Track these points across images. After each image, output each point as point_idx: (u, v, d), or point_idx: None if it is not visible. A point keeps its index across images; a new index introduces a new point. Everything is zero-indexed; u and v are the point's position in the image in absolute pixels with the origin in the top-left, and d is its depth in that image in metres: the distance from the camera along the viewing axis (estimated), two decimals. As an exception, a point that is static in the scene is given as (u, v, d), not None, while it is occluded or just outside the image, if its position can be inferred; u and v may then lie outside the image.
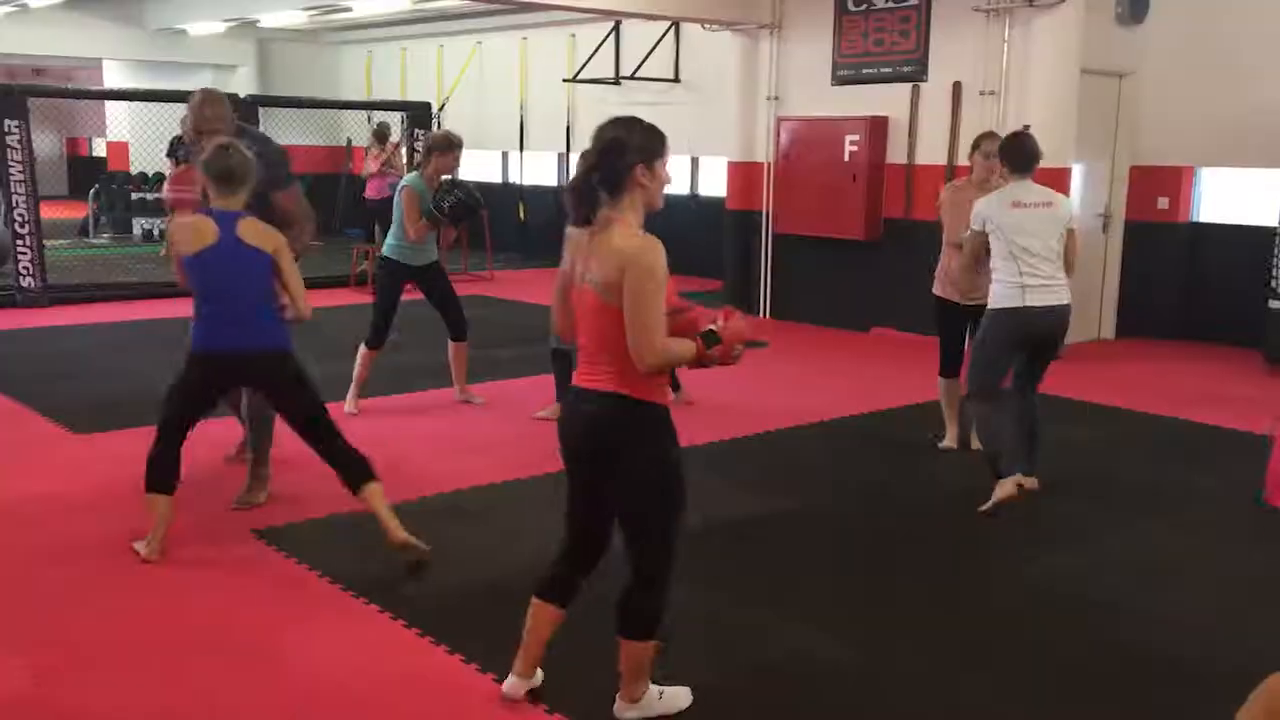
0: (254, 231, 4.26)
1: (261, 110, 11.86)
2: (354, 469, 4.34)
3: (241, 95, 12.46)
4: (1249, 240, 9.14)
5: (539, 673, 3.32)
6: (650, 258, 2.81)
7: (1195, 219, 9.68)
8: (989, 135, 5.98)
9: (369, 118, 16.05)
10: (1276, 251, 8.37)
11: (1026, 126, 8.64)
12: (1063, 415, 6.92)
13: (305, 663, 3.54)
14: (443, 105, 15.85)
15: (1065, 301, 5.11)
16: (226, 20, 15.83)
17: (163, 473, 4.31)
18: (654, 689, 3.21)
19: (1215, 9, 9.06)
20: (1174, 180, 9.57)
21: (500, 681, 3.36)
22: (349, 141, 17.11)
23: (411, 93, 16.42)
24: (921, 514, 5.13)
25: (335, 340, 8.89)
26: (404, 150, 13.33)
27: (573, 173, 2.99)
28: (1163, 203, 9.59)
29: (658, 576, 3.05)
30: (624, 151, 2.86)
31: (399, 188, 6.69)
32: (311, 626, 3.81)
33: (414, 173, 6.75)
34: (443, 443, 6.04)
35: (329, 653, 3.61)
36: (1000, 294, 5.10)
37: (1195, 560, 4.62)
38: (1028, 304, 5.01)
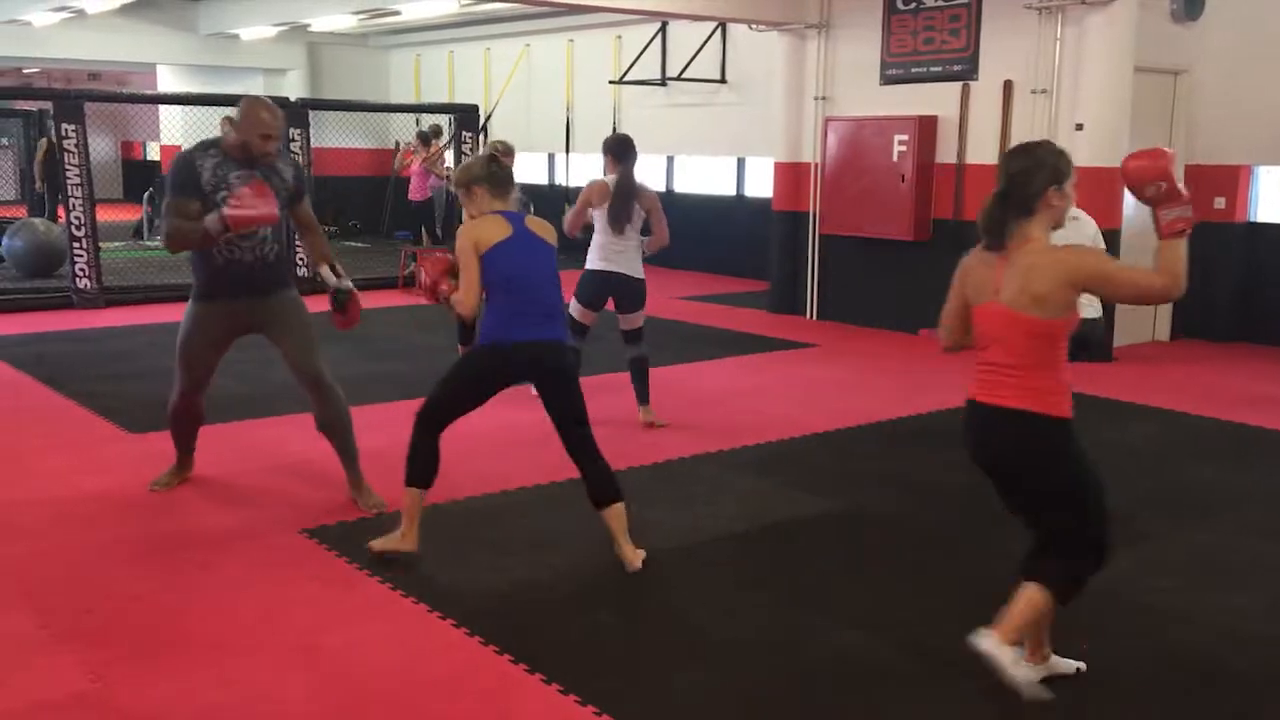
0: (538, 225, 4.37)
1: (312, 114, 11.98)
2: (606, 485, 4.34)
3: (292, 99, 12.62)
4: (1308, 240, 8.95)
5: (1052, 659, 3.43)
6: (1083, 256, 3.10)
7: (1252, 219, 9.50)
8: None
9: (417, 120, 16.17)
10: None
11: (1079, 126, 8.57)
12: (1115, 417, 6.82)
13: (354, 662, 3.56)
14: (493, 109, 15.93)
15: (1089, 316, 5.11)
16: (277, 25, 16.01)
17: (427, 466, 4.33)
18: (1018, 651, 3.23)
19: (1271, 4, 8.89)
20: (1230, 179, 9.40)
21: (549, 682, 3.37)
22: (397, 144, 17.26)
23: (459, 95, 16.52)
24: (970, 515, 5.06)
25: (385, 341, 8.96)
26: (448, 154, 13.42)
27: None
28: (1219, 202, 9.41)
29: (1083, 561, 3.23)
30: (1034, 177, 3.09)
31: None
32: (360, 625, 3.83)
33: None
34: (482, 443, 6.06)
35: (378, 652, 3.63)
36: None
37: (1246, 564, 4.52)
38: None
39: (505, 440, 6.14)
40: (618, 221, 6.33)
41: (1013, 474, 3.27)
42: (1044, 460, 3.18)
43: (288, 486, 5.25)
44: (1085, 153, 8.33)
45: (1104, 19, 8.41)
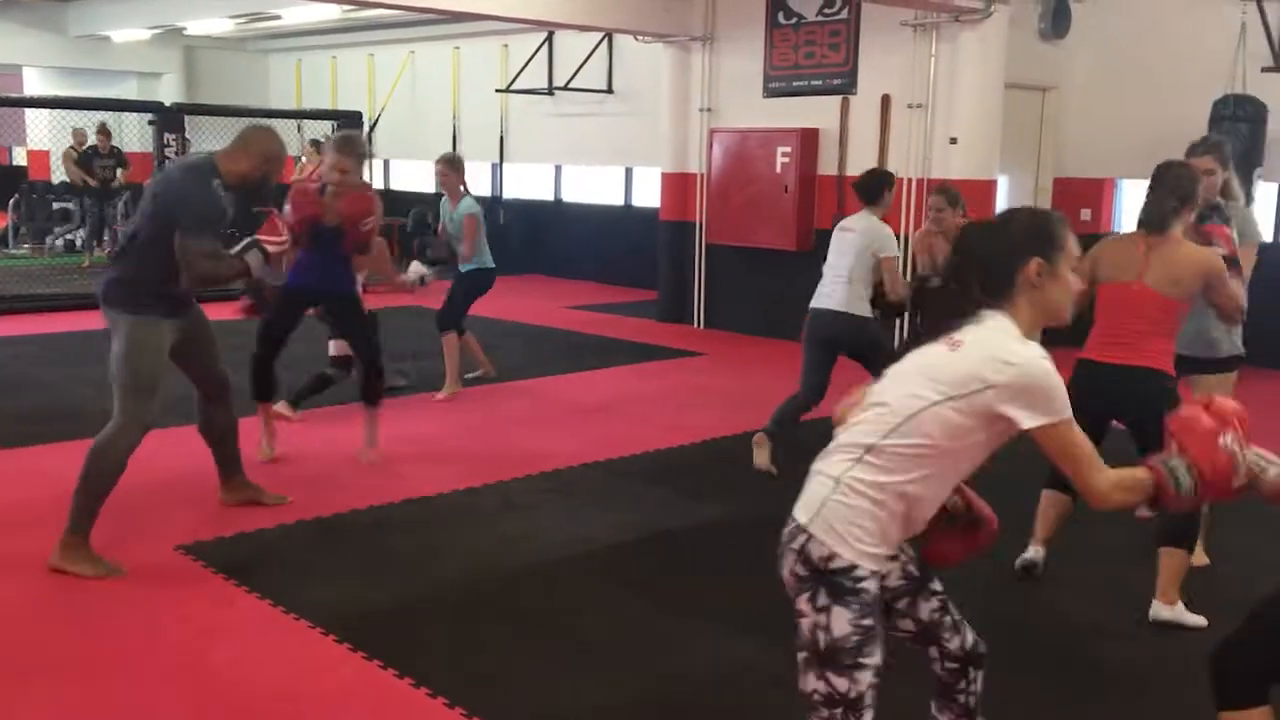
0: None
1: (188, 119, 11.66)
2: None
3: (167, 103, 12.26)
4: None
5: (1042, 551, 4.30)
6: (1214, 256, 3.94)
7: (1117, 228, 9.91)
8: (937, 190, 6.68)
9: (298, 127, 15.85)
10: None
11: (954, 139, 8.85)
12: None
13: (236, 681, 3.48)
14: (378, 116, 15.72)
15: (830, 307, 5.93)
16: (151, 27, 15.55)
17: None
18: (1182, 604, 3.89)
19: (1133, 25, 9.31)
20: (1096, 192, 9.80)
21: (434, 696, 3.35)
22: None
23: (342, 101, 16.25)
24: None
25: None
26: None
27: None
28: (1085, 214, 9.80)
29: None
30: (1169, 196, 3.96)
31: (472, 213, 7.29)
32: (241, 644, 3.75)
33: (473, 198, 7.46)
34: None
35: (260, 670, 3.55)
36: None
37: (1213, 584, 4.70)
38: (810, 306, 6.04)
39: (394, 454, 6.06)
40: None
41: (1123, 418, 3.96)
42: (1161, 405, 3.56)
43: (159, 503, 5.09)
44: (959, 165, 8.62)
45: (976, 36, 8.70)
